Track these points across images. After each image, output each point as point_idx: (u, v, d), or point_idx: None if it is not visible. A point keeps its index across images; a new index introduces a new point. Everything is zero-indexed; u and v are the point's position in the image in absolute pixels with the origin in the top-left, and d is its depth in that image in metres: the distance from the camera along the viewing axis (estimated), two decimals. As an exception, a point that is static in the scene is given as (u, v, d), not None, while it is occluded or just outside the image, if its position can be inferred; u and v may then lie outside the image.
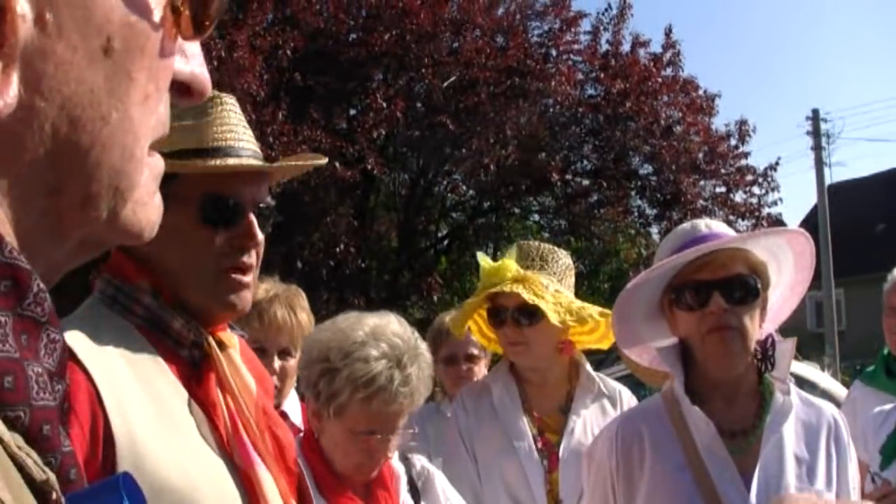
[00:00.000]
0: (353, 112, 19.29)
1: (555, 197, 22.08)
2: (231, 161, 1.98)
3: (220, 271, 1.95)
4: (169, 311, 1.91)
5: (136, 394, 1.77)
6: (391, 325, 2.66)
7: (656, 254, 2.91)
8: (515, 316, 3.52)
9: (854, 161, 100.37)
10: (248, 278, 1.98)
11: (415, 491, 2.88)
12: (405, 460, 2.96)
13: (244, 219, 1.98)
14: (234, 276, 1.96)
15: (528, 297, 3.41)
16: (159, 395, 1.81)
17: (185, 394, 1.86)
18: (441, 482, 2.98)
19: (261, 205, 2.03)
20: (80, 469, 0.71)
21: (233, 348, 1.99)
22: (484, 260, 3.70)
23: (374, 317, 2.69)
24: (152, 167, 0.77)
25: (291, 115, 16.43)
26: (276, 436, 2.00)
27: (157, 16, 0.72)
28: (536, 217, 23.83)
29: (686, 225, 2.89)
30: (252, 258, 2.00)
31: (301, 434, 3.02)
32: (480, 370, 4.56)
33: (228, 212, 1.97)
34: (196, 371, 1.92)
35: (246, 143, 2.06)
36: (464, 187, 22.34)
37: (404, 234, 21.27)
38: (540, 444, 3.54)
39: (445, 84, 18.84)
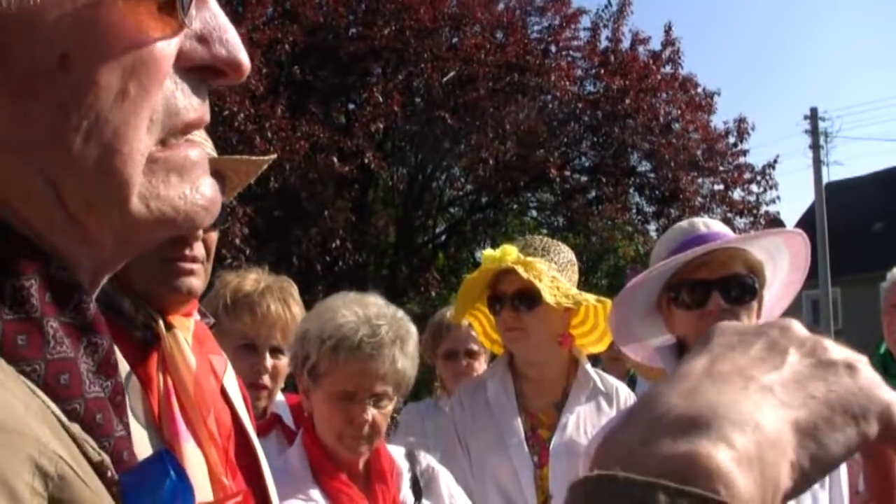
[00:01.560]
0: (351, 107, 19.30)
1: (553, 193, 22.11)
2: None
3: (162, 261, 2.07)
4: (120, 294, 2.03)
5: None
6: (373, 298, 2.73)
7: (653, 252, 2.91)
8: (514, 302, 3.53)
9: (852, 160, 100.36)
10: (193, 266, 2.11)
11: (417, 488, 2.86)
12: (410, 457, 2.94)
13: None
14: (177, 263, 2.08)
15: (525, 275, 3.42)
16: None
17: (126, 369, 1.95)
18: (446, 481, 2.95)
19: None
20: (131, 450, 0.79)
21: (182, 330, 2.09)
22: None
23: (357, 294, 2.76)
24: (167, 160, 0.79)
25: (290, 109, 16.43)
26: (218, 417, 2.08)
27: (121, 16, 0.73)
28: (534, 213, 23.84)
29: (684, 223, 2.89)
30: (196, 250, 2.11)
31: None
32: (480, 366, 4.56)
33: None
34: (145, 350, 2.03)
35: None
36: (462, 182, 22.37)
37: (402, 229, 21.28)
38: (531, 440, 3.56)
39: (444, 79, 18.85)
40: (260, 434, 3.31)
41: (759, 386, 0.67)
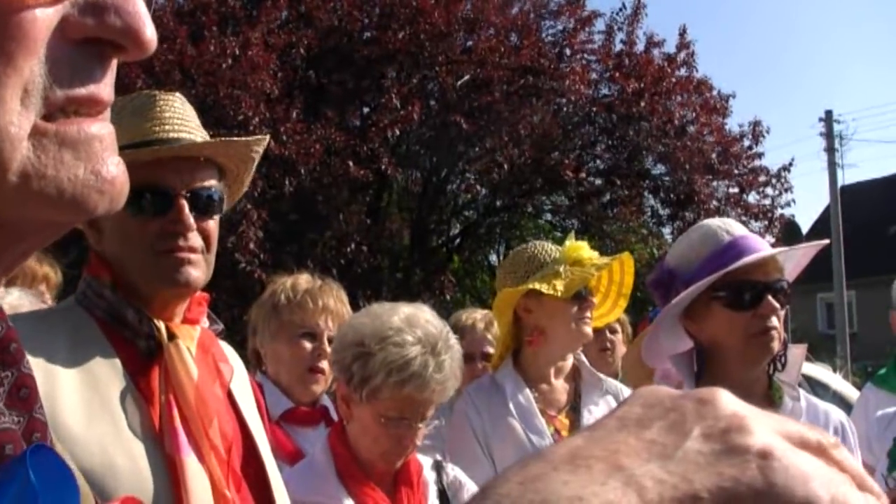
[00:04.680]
0: (366, 110, 19.34)
1: (568, 196, 22.08)
2: (144, 150, 2.06)
3: (157, 253, 2.05)
4: (124, 304, 2.03)
5: (71, 380, 1.89)
6: (425, 314, 2.71)
7: (679, 257, 2.87)
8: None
9: (867, 163, 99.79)
10: (190, 255, 2.07)
11: (444, 499, 2.88)
12: (438, 468, 2.97)
13: (174, 205, 2.06)
14: (173, 255, 2.05)
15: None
16: (96, 383, 1.92)
17: (126, 382, 1.96)
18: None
19: (199, 191, 2.11)
20: (17, 444, 0.75)
21: (186, 339, 2.06)
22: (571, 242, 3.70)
23: (407, 306, 2.74)
24: (59, 133, 0.69)
25: (305, 113, 16.48)
26: (221, 428, 2.06)
27: None
28: (549, 216, 23.81)
29: (712, 226, 2.85)
30: (191, 241, 2.07)
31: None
32: (496, 368, 4.55)
33: (153, 200, 2.06)
34: (148, 361, 2.02)
35: (181, 134, 2.12)
36: (477, 186, 22.38)
37: (417, 232, 21.30)
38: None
39: (459, 83, 18.87)
40: (309, 423, 3.45)
41: (623, 478, 0.54)
